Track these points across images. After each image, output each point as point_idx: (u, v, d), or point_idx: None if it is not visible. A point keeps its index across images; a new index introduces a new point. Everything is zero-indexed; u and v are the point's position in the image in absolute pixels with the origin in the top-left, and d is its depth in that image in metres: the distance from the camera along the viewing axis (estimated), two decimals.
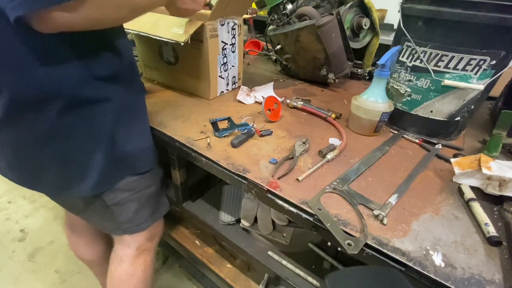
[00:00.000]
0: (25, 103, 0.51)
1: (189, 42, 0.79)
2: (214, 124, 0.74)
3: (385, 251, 0.46)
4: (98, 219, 0.78)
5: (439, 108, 0.74)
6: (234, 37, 0.95)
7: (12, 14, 0.40)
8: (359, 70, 1.24)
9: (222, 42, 0.91)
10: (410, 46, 0.72)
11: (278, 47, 1.16)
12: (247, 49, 1.54)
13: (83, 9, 0.43)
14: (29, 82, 0.50)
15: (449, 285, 0.42)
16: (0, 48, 0.47)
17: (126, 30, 0.87)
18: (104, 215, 0.72)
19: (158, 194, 0.81)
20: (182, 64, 0.96)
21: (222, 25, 0.88)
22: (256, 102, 0.97)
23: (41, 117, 0.53)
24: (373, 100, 0.75)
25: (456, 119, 0.75)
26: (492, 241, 0.48)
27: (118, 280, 0.81)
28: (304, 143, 0.72)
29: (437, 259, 0.46)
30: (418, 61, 0.71)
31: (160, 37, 0.82)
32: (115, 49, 0.59)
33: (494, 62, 0.64)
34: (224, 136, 0.76)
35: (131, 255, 0.80)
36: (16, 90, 0.50)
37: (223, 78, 0.99)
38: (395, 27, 0.88)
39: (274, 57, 1.27)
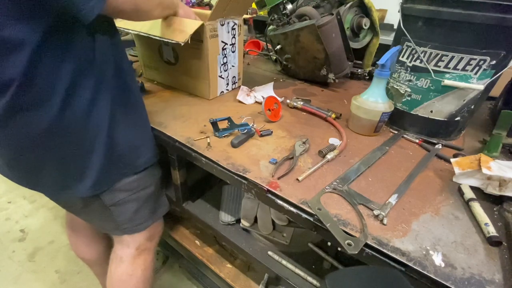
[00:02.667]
0: (23, 103, 0.51)
1: (189, 42, 0.79)
2: (214, 124, 0.74)
3: (385, 251, 0.46)
4: (97, 219, 0.78)
5: (439, 108, 0.74)
6: (234, 37, 0.95)
7: (97, 9, 0.47)
8: (359, 70, 1.24)
9: (222, 42, 0.90)
10: (410, 46, 0.72)
11: (278, 47, 1.16)
12: (247, 49, 1.54)
13: None
14: (28, 85, 0.50)
15: (449, 285, 0.42)
16: (3, 52, 0.48)
17: (126, 30, 0.87)
18: (103, 215, 0.72)
19: (157, 194, 0.81)
20: (182, 64, 0.96)
21: (222, 25, 0.88)
22: (256, 102, 0.97)
23: (39, 117, 0.53)
24: (373, 100, 0.75)
25: (456, 119, 0.75)
26: (492, 241, 0.48)
27: (118, 280, 0.81)
28: (304, 143, 0.72)
29: (437, 259, 0.46)
30: (418, 61, 0.71)
31: (160, 38, 0.82)
32: (111, 50, 0.59)
33: (494, 62, 0.64)
34: (224, 136, 0.76)
35: (131, 255, 0.80)
36: (16, 92, 0.50)
37: (223, 78, 0.99)
38: (395, 27, 0.88)
39: (274, 57, 1.27)
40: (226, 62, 0.96)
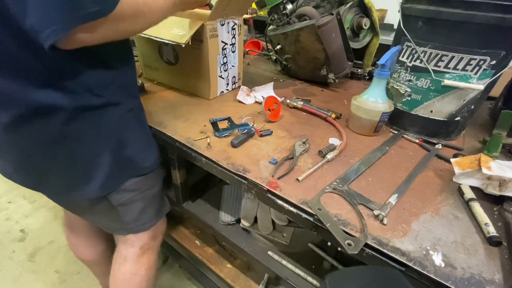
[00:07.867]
0: (33, 111, 0.52)
1: (189, 43, 0.79)
2: (214, 124, 0.74)
3: (385, 251, 0.46)
4: (103, 220, 0.78)
5: (439, 108, 0.74)
6: (234, 37, 0.95)
7: (49, 39, 0.41)
8: (359, 70, 1.24)
9: (222, 42, 0.90)
10: (410, 46, 0.72)
11: (278, 47, 1.16)
12: (247, 49, 1.54)
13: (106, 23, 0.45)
14: (39, 95, 0.51)
15: (449, 285, 0.42)
16: (13, 62, 0.48)
17: None
18: (109, 215, 0.73)
19: (161, 194, 0.82)
20: (182, 64, 0.96)
21: (222, 25, 0.88)
22: (256, 102, 0.97)
23: (49, 123, 0.54)
24: (373, 100, 0.75)
25: (456, 119, 0.75)
26: (492, 241, 0.48)
27: (122, 279, 0.81)
28: (304, 143, 0.72)
29: (437, 259, 0.46)
30: (418, 61, 0.71)
31: (161, 39, 0.82)
32: (120, 57, 0.60)
33: (494, 62, 0.64)
34: (224, 136, 0.76)
35: (135, 255, 0.80)
36: (26, 101, 0.51)
37: (223, 78, 0.99)
38: (395, 27, 0.88)
39: (274, 57, 1.27)
40: (226, 62, 0.96)
